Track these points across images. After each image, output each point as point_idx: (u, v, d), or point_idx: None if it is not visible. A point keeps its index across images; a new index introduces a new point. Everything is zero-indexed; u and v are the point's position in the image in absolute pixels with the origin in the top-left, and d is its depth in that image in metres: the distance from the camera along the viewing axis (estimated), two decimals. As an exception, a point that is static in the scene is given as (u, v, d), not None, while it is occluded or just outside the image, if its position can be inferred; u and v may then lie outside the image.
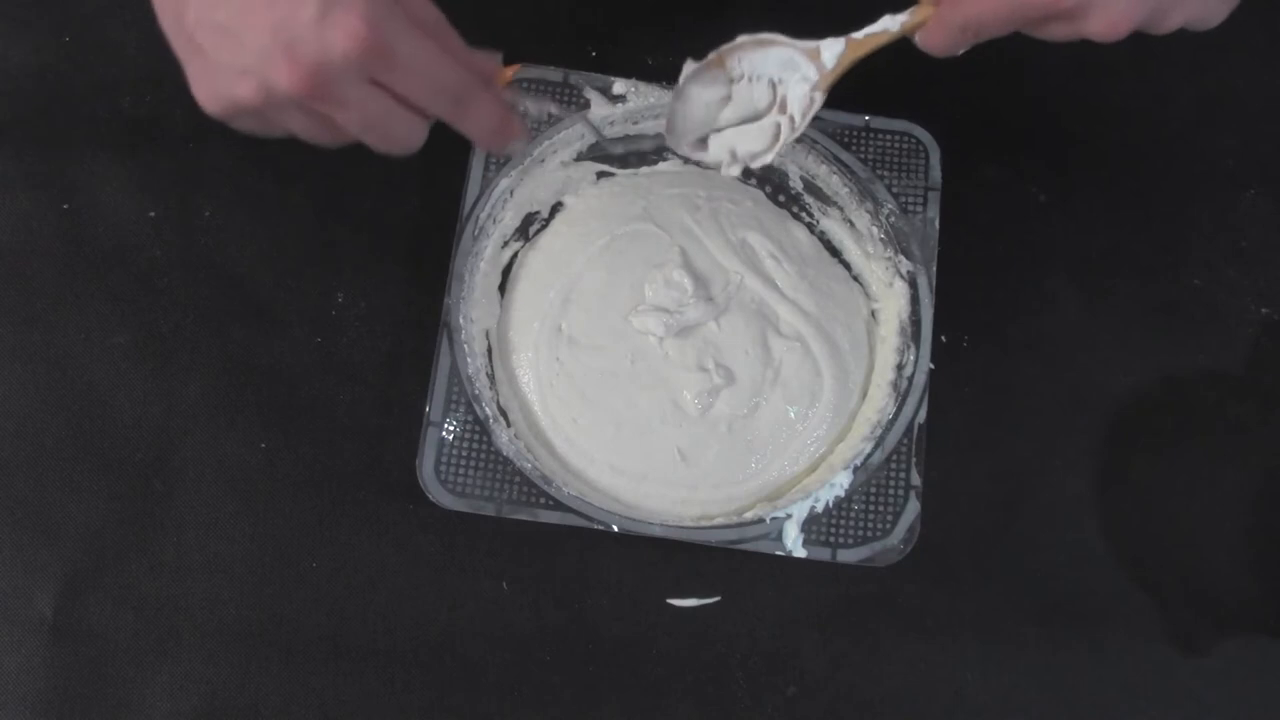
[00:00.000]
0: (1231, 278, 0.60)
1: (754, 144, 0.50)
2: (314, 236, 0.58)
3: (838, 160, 0.58)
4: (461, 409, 0.53)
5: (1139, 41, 0.64)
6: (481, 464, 0.53)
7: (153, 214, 0.58)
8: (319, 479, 0.55)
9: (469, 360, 0.54)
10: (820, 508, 0.53)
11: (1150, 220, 0.61)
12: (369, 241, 0.58)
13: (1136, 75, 0.64)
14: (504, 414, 0.55)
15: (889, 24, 0.45)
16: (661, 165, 0.60)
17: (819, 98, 0.48)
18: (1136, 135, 0.63)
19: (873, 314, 0.59)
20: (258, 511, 0.54)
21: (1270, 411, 0.58)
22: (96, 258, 0.57)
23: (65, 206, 0.58)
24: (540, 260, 0.58)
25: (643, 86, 0.58)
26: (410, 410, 0.54)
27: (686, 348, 0.56)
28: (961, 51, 0.45)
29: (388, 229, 0.58)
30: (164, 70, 0.60)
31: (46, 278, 0.57)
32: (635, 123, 0.59)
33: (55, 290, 0.57)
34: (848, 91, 0.58)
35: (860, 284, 0.60)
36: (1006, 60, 0.63)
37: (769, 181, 0.61)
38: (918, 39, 0.45)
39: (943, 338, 0.58)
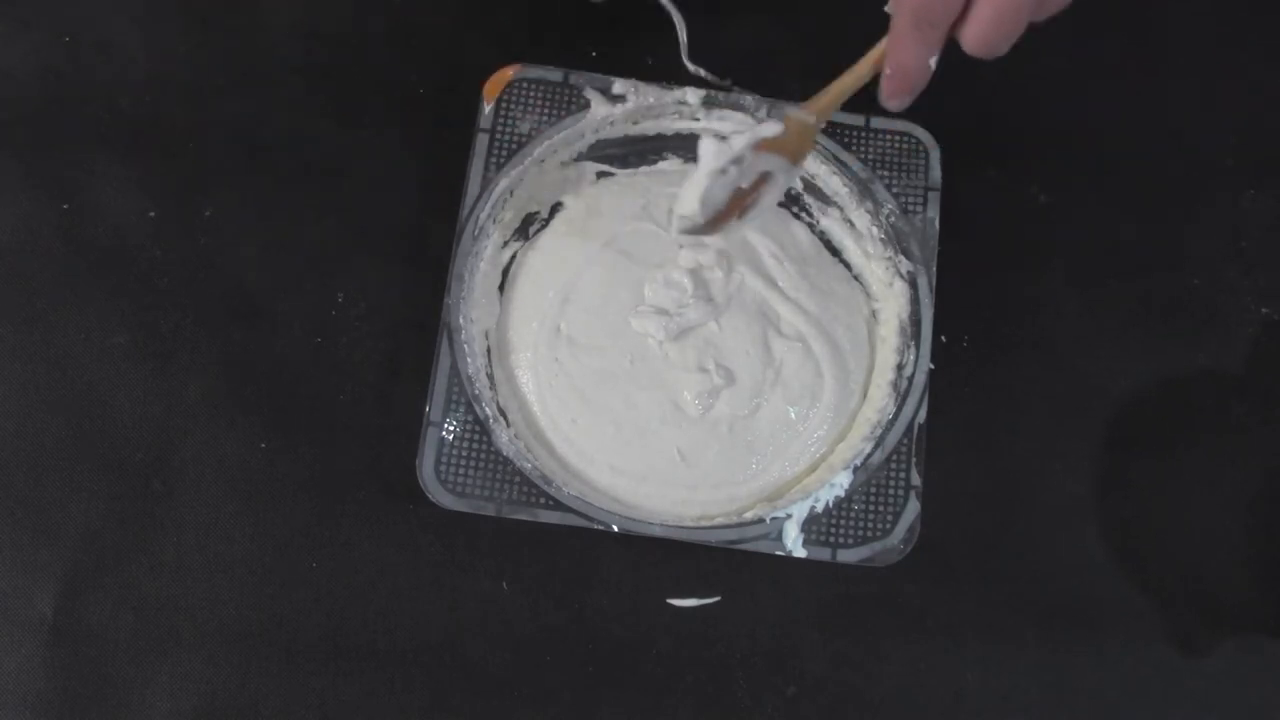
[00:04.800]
0: (1231, 278, 0.60)
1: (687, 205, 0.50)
2: (314, 236, 0.58)
3: (837, 160, 0.58)
4: (461, 409, 0.53)
5: (1138, 41, 0.65)
6: (481, 464, 0.53)
7: (153, 214, 0.58)
8: (319, 479, 0.55)
9: (469, 360, 0.54)
10: (820, 508, 0.53)
11: (1150, 220, 0.61)
12: (369, 241, 0.58)
13: (1137, 75, 0.64)
14: (504, 414, 0.55)
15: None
16: (661, 164, 0.60)
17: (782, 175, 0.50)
18: (1136, 135, 0.62)
19: (873, 314, 0.59)
20: (258, 511, 0.54)
21: (1270, 411, 0.58)
22: (96, 258, 0.57)
23: (65, 206, 0.58)
24: (540, 260, 0.58)
25: (643, 86, 0.58)
26: (410, 410, 0.54)
27: (686, 348, 0.56)
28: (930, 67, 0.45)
29: (388, 229, 0.58)
30: (164, 70, 0.60)
31: (46, 278, 0.57)
32: (635, 123, 0.59)
33: (55, 290, 0.57)
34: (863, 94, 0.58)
35: (860, 284, 0.60)
36: (1006, 61, 0.63)
37: (769, 181, 0.61)
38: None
39: (943, 338, 0.58)
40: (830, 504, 0.53)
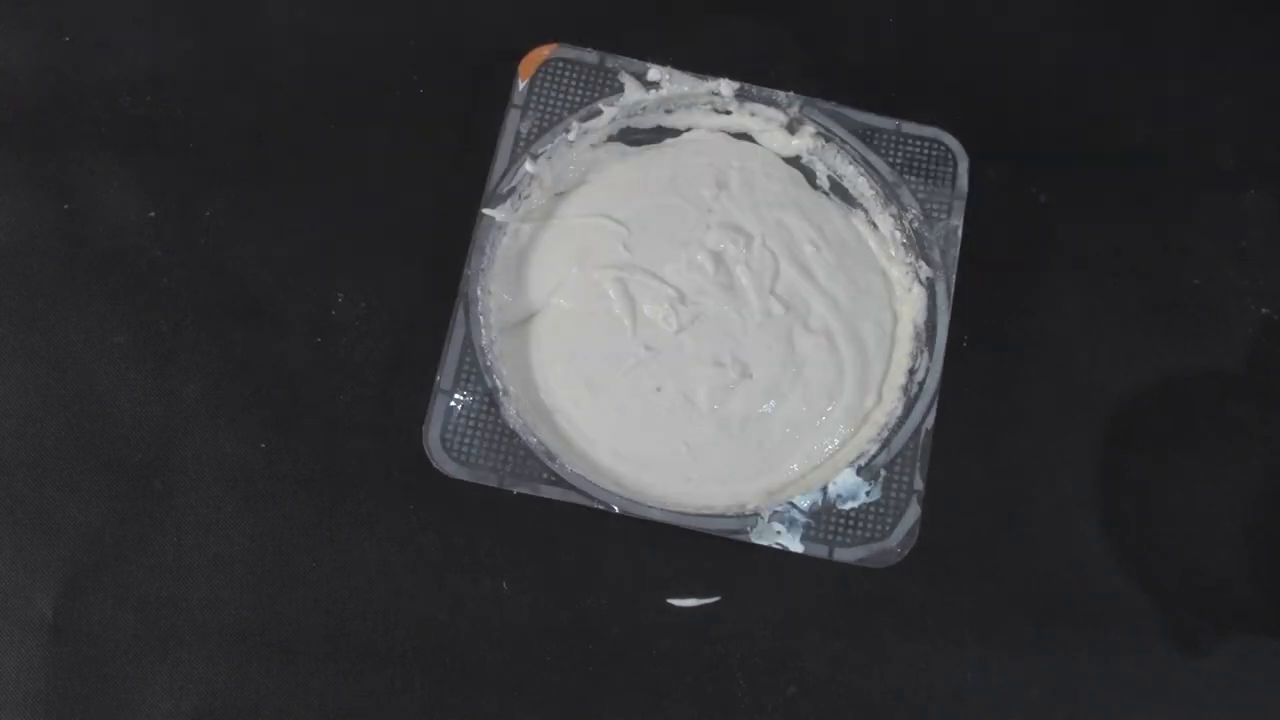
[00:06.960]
0: (1231, 278, 0.60)
1: None
2: (314, 236, 0.58)
3: (865, 162, 0.58)
4: (472, 380, 0.53)
5: (1138, 42, 0.65)
6: (487, 436, 0.53)
7: (153, 214, 0.58)
8: (319, 479, 0.55)
9: (483, 332, 0.54)
10: (821, 505, 0.53)
11: (1150, 220, 0.61)
12: (369, 241, 0.58)
13: (1136, 75, 0.64)
14: (511, 388, 0.55)
15: None
16: (687, 135, 0.59)
17: None
18: (1136, 135, 0.63)
19: (894, 313, 0.58)
20: (258, 511, 0.54)
21: (1270, 411, 0.58)
22: (96, 258, 0.57)
23: (65, 206, 0.58)
24: (560, 237, 0.57)
25: (677, 74, 0.58)
26: (410, 410, 0.54)
27: (703, 339, 0.55)
28: None
29: (388, 229, 0.58)
30: (164, 70, 0.60)
31: (46, 278, 0.57)
32: (669, 111, 0.58)
33: (55, 290, 0.57)
34: (869, 90, 0.59)
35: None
36: (1005, 61, 0.63)
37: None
38: None
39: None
40: (831, 502, 0.53)
